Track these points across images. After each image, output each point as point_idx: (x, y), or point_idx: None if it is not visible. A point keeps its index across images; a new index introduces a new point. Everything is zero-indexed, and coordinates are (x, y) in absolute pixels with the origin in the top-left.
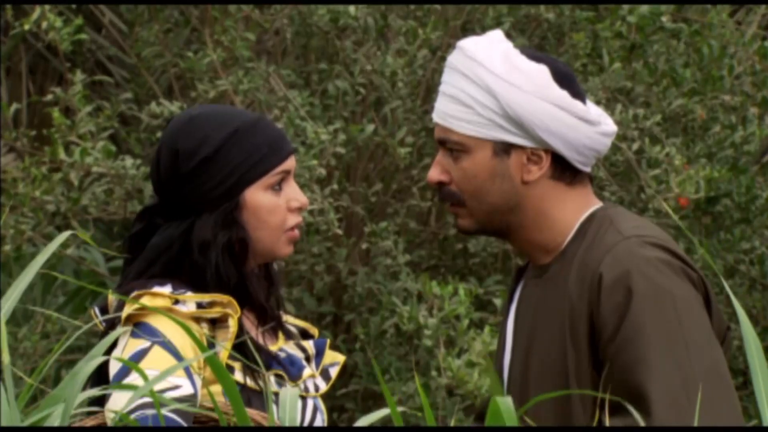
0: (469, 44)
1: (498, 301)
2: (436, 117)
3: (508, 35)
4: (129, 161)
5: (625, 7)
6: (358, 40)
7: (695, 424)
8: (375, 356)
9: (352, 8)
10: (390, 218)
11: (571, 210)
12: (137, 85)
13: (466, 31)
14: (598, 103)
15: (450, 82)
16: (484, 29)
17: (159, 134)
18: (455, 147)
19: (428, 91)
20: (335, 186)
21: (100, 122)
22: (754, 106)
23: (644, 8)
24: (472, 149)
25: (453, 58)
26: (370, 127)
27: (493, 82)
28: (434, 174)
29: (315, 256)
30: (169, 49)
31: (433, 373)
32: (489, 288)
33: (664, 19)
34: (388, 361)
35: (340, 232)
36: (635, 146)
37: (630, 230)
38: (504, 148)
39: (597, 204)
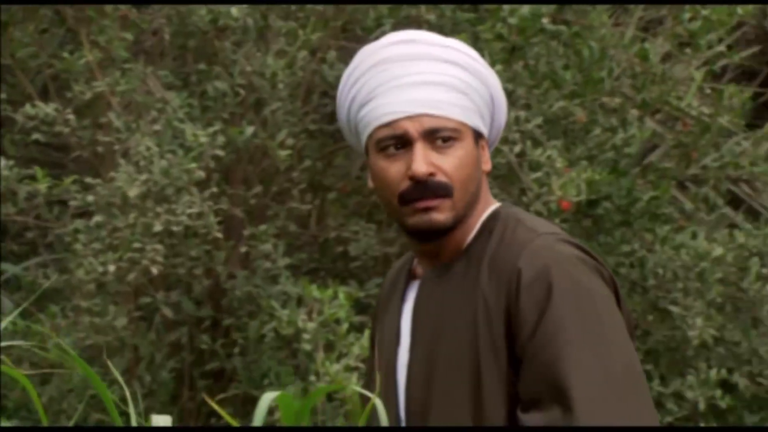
0: (440, 37)
1: None
2: (425, 107)
3: None
4: (3, 162)
5: (506, 8)
6: (237, 41)
7: (617, 421)
8: (254, 360)
9: (232, 9)
10: (270, 221)
11: (480, 206)
12: (11, 86)
13: (347, 32)
14: None
15: (437, 71)
16: (364, 30)
17: (34, 136)
18: (452, 135)
19: (308, 92)
20: (214, 189)
21: None
22: (635, 108)
23: (525, 10)
24: (465, 137)
25: (428, 48)
26: (250, 129)
27: (482, 69)
28: (424, 166)
29: (193, 260)
30: (45, 49)
31: (312, 377)
32: (369, 291)
33: (544, 21)
34: (267, 365)
35: (219, 235)
36: (517, 149)
37: (542, 228)
38: (477, 136)
39: (495, 202)
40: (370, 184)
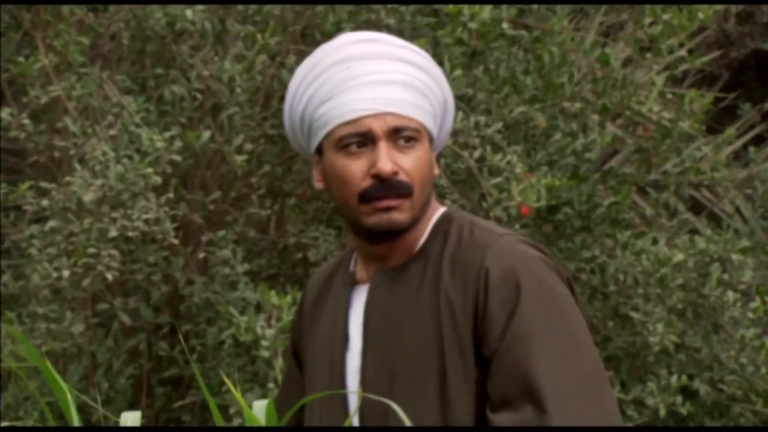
0: (397, 38)
1: None
2: (390, 106)
3: None
4: None
5: (466, 13)
6: (195, 45)
7: (590, 420)
8: (213, 367)
9: (189, 12)
10: (228, 227)
11: (430, 210)
12: None
13: (306, 36)
14: None
15: (400, 71)
16: (324, 35)
17: None
18: (413, 135)
19: (267, 97)
20: (171, 194)
21: None
22: (595, 113)
23: (485, 15)
24: (423, 138)
25: (389, 48)
26: (207, 134)
27: (438, 73)
28: (390, 165)
29: (151, 266)
30: (0, 53)
31: (271, 384)
32: None
33: (505, 25)
34: (226, 372)
35: (176, 241)
36: (476, 154)
37: (499, 230)
38: (431, 139)
39: (441, 206)
40: (319, 185)
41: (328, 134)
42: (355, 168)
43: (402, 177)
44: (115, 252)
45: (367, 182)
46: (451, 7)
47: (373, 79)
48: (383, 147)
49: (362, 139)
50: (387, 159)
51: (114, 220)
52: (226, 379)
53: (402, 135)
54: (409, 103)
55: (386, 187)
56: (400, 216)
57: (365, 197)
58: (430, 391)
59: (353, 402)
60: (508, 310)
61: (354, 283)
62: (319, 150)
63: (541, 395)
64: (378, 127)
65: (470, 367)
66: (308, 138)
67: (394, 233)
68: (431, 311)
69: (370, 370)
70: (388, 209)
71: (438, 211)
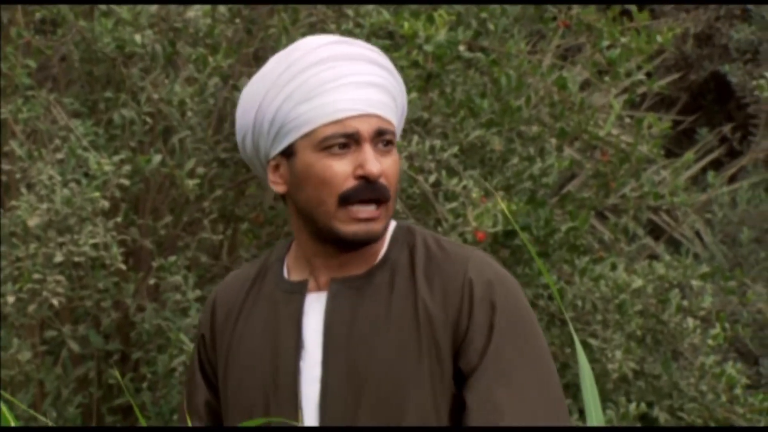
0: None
1: None
2: (374, 108)
3: None
4: None
5: (422, 35)
6: (145, 68)
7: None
8: (164, 395)
9: (137, 35)
10: (180, 252)
11: None
12: None
13: (259, 59)
14: None
15: (376, 73)
16: None
17: None
18: (391, 139)
19: (220, 120)
20: (120, 219)
21: None
22: (553, 137)
23: (441, 37)
24: (395, 143)
25: (364, 50)
26: (158, 158)
27: (400, 78)
28: (378, 167)
29: (101, 292)
30: None
31: None
32: None
33: (461, 48)
34: (177, 400)
35: (123, 267)
36: (432, 178)
37: (467, 245)
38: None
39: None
40: (280, 188)
41: (308, 134)
42: (338, 168)
43: (383, 181)
44: (61, 278)
45: (350, 183)
46: (406, 28)
47: (356, 80)
48: (369, 149)
49: (347, 140)
50: (375, 161)
51: (60, 245)
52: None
53: (382, 138)
54: (386, 106)
55: (371, 189)
56: (377, 226)
57: (347, 199)
58: (407, 401)
59: (310, 409)
60: (489, 326)
61: (300, 290)
62: (287, 151)
63: (505, 417)
64: (364, 128)
65: (448, 380)
66: (274, 139)
67: (368, 243)
68: (406, 323)
69: (334, 378)
70: (368, 220)
71: (391, 221)
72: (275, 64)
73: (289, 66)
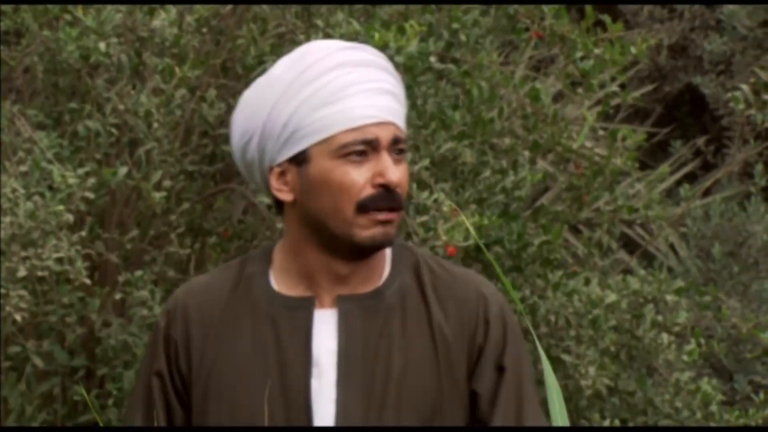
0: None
1: None
2: (392, 116)
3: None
4: None
5: (393, 46)
6: (111, 78)
7: None
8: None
9: (102, 45)
10: (146, 266)
11: None
12: None
13: (226, 69)
14: None
15: (388, 80)
16: (245, 68)
17: None
18: (404, 148)
19: (187, 132)
20: (84, 233)
21: None
22: (526, 149)
23: (412, 48)
24: (406, 151)
25: (376, 57)
26: (124, 170)
27: (403, 88)
28: (398, 175)
29: (66, 307)
30: None
31: None
32: None
33: (432, 59)
34: None
35: (87, 281)
36: None
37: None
38: None
39: None
40: (287, 196)
41: (325, 140)
42: (357, 176)
43: (399, 189)
44: (24, 293)
45: (368, 191)
46: (377, 39)
47: (373, 87)
48: (387, 157)
49: (366, 147)
50: (395, 169)
51: (24, 259)
52: None
53: (397, 147)
54: (399, 114)
55: (389, 197)
56: (392, 231)
57: (365, 206)
58: (428, 423)
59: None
60: (502, 347)
61: (305, 305)
62: (298, 157)
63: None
64: (383, 136)
65: (465, 400)
66: (284, 144)
67: (382, 247)
68: (422, 344)
69: (353, 399)
70: (386, 223)
71: None
72: (287, 67)
73: (304, 70)
